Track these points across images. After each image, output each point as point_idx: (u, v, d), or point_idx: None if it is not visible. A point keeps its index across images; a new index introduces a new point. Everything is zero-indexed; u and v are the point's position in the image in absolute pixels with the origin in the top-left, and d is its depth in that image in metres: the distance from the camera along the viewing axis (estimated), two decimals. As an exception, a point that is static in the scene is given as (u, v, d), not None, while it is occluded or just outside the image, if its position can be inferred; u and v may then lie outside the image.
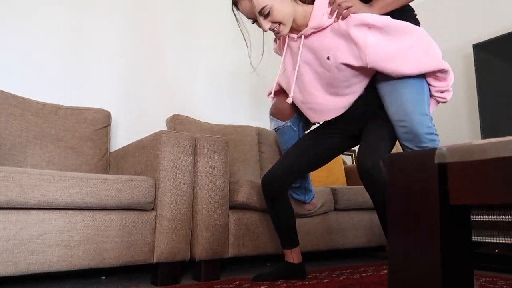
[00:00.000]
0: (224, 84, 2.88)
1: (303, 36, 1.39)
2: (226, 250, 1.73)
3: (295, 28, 1.42)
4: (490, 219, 2.08)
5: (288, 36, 1.45)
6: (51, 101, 2.18)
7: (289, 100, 1.45)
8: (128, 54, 2.49)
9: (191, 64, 2.74)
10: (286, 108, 1.65)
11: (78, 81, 2.30)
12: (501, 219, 2.03)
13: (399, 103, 1.32)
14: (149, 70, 2.56)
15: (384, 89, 1.37)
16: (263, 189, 1.61)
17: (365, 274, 1.82)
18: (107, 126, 2.19)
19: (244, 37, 1.50)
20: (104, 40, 2.42)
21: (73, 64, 2.29)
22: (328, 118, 1.51)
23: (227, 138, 1.82)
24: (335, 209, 2.24)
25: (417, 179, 0.52)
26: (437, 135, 1.33)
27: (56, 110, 2.05)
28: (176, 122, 2.35)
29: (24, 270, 1.27)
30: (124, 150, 1.95)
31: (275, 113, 1.68)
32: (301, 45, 1.41)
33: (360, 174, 1.38)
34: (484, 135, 2.80)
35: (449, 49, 3.34)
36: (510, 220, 2.00)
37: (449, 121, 3.28)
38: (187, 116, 2.42)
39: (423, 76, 1.35)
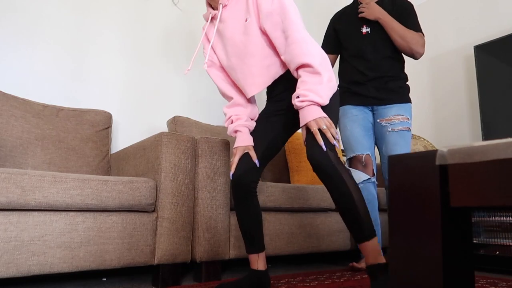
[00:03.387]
0: (225, 86, 2.88)
1: (221, 7, 1.52)
2: (227, 252, 1.73)
3: (214, 7, 1.58)
4: (491, 221, 2.08)
5: (211, 21, 1.59)
6: (52, 102, 2.19)
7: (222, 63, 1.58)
8: (129, 55, 2.50)
9: (192, 66, 2.75)
10: (369, 161, 2.00)
11: (79, 83, 2.30)
12: (502, 221, 2.03)
13: None
14: (150, 71, 2.57)
15: None
16: (233, 188, 1.49)
17: (366, 276, 1.82)
18: (108, 127, 2.20)
19: None
20: (105, 42, 2.42)
21: (74, 65, 2.30)
22: (255, 90, 1.50)
23: (227, 140, 1.82)
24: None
25: (418, 180, 0.52)
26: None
27: (57, 111, 2.05)
28: (177, 123, 2.35)
29: (25, 272, 1.27)
30: (125, 151, 1.95)
31: (359, 167, 1.89)
32: (219, 15, 1.53)
33: (313, 167, 1.33)
34: (485, 136, 2.80)
35: (450, 51, 3.34)
36: (511, 221, 1.99)
37: (450, 122, 3.28)
38: (188, 118, 2.42)
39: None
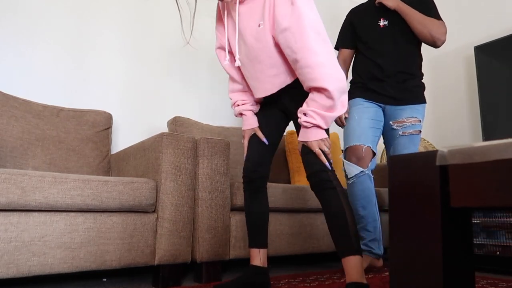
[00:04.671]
0: (225, 86, 2.88)
1: (238, 1, 1.40)
2: (227, 252, 1.73)
3: None
4: (491, 221, 2.08)
5: (228, 2, 1.46)
6: (52, 103, 2.19)
7: (237, 63, 1.45)
8: (129, 56, 2.50)
9: (192, 66, 2.75)
10: (368, 154, 1.90)
11: (79, 83, 2.31)
12: (502, 221, 2.03)
13: None
14: (150, 71, 2.57)
15: None
16: (245, 182, 1.54)
17: (366, 276, 1.82)
18: (109, 128, 2.20)
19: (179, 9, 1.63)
20: (105, 42, 2.42)
21: (74, 66, 2.30)
22: (261, 94, 1.49)
23: (228, 140, 1.82)
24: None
25: (418, 181, 0.52)
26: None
27: (57, 112, 2.05)
28: (178, 124, 2.35)
29: (26, 272, 1.27)
30: (126, 152, 1.95)
31: (352, 160, 1.88)
32: (237, 7, 1.41)
33: (312, 184, 1.38)
34: (485, 136, 2.80)
35: (451, 51, 3.34)
36: (511, 222, 1.99)
37: (451, 122, 3.28)
38: (188, 118, 2.42)
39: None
